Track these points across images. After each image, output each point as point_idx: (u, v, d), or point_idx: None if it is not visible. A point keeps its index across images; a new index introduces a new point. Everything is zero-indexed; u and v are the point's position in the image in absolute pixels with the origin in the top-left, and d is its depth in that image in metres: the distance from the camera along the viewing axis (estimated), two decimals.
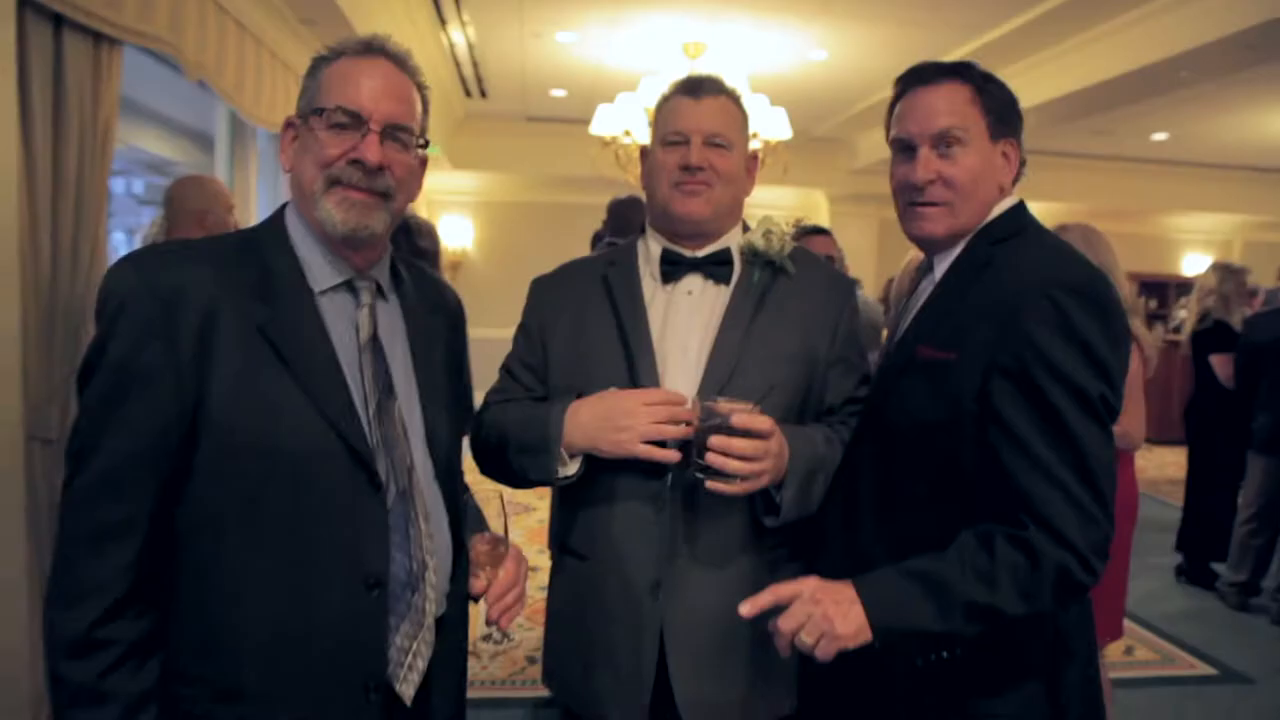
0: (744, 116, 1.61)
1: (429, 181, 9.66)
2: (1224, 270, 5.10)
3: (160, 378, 1.12)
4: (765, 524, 1.50)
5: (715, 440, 1.35)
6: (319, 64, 1.26)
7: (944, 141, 1.38)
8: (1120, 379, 1.26)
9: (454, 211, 10.19)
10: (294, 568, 1.17)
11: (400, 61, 1.28)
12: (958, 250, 1.42)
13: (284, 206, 1.31)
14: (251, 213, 5.02)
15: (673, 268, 1.60)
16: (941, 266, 1.44)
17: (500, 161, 9.43)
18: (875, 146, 8.69)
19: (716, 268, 1.60)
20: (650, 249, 1.64)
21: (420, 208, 9.58)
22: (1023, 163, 1.44)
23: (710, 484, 1.38)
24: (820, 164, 9.33)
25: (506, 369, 1.71)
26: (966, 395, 1.29)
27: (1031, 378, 1.24)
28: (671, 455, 1.45)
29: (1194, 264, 11.42)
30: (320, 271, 1.25)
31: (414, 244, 4.20)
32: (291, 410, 1.16)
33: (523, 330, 1.70)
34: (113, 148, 2.83)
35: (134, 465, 1.12)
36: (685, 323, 1.57)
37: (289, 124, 1.27)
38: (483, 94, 8.12)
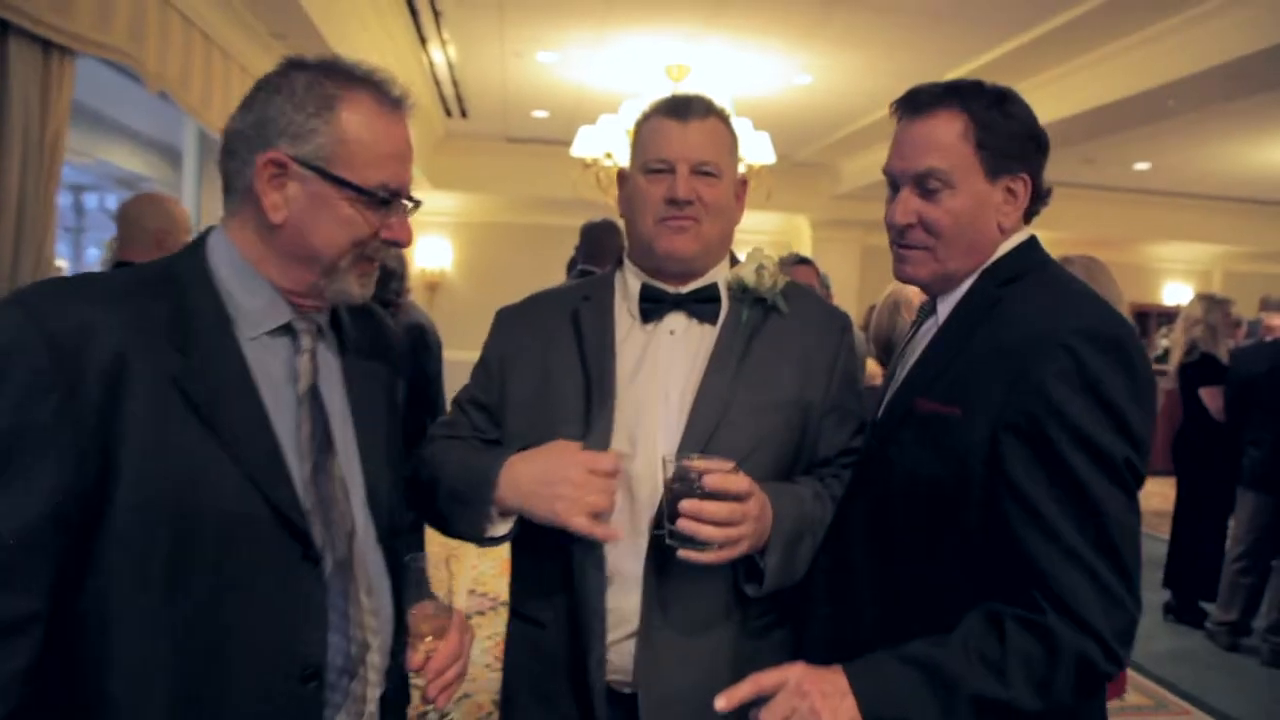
0: (734, 139, 1.48)
1: None
2: (1209, 301, 5.06)
3: (56, 439, 0.94)
4: (747, 593, 1.36)
5: (686, 505, 1.21)
6: (330, 98, 1.06)
7: (926, 183, 1.26)
8: (1147, 438, 1.13)
9: (433, 232, 10.04)
10: (215, 659, 1.02)
11: (410, 112, 1.16)
12: (962, 290, 1.29)
13: (205, 235, 1.15)
14: None
15: (653, 305, 1.46)
16: (945, 308, 1.31)
17: (480, 182, 9.28)
18: (859, 171, 8.66)
19: (702, 305, 1.46)
20: (629, 284, 1.50)
21: None
22: (1045, 194, 1.31)
23: (682, 553, 1.24)
24: (803, 189, 9.27)
25: (458, 403, 1.56)
26: (973, 456, 1.16)
27: (1046, 437, 1.11)
28: (613, 534, 1.31)
29: (1175, 293, 11.44)
30: (255, 314, 1.10)
31: (381, 264, 4.04)
32: (212, 474, 1.01)
33: (482, 365, 1.55)
34: (61, 160, 2.68)
35: (27, 546, 0.93)
36: (666, 366, 1.43)
37: (274, 162, 1.06)
38: (463, 114, 7.99)
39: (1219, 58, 4.51)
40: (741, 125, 5.45)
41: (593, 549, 1.37)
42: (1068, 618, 1.07)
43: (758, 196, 5.11)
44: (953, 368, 1.23)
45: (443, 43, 6.00)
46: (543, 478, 1.30)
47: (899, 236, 1.30)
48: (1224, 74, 4.63)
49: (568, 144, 5.81)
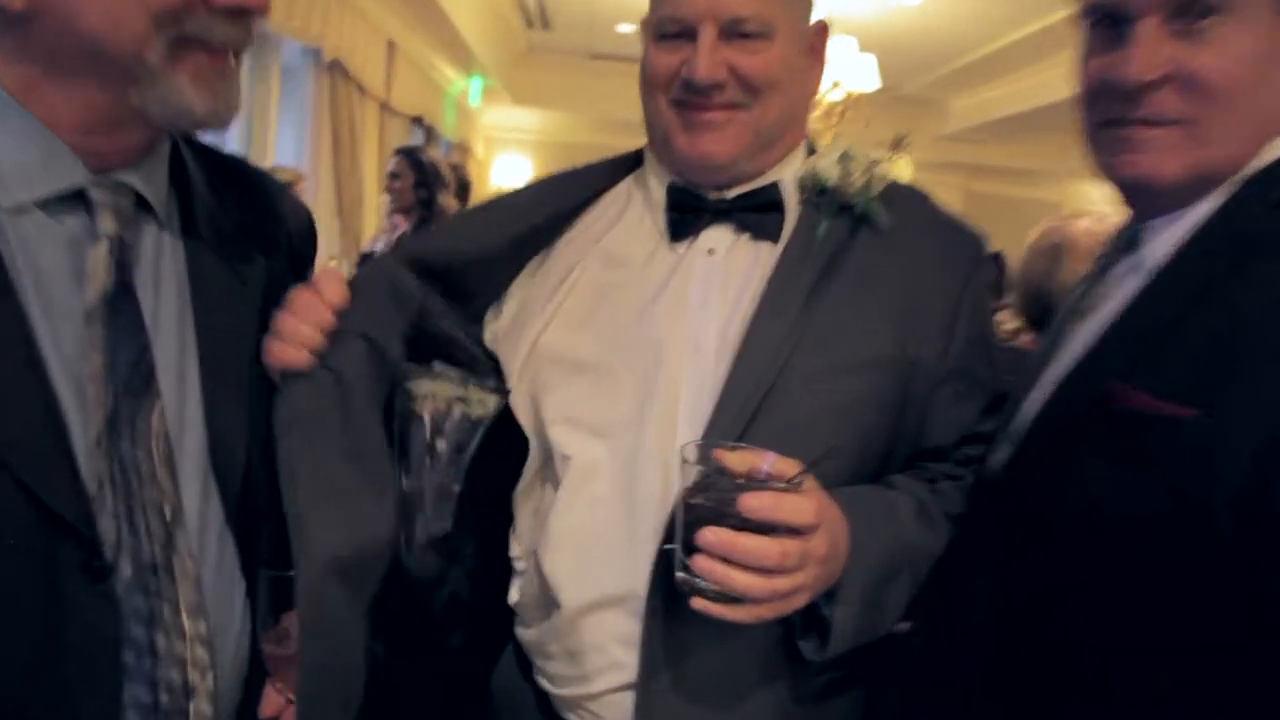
0: None
1: (486, 116, 9.23)
2: None
3: None
4: (804, 653, 0.90)
5: (710, 537, 0.74)
6: None
7: (1184, 6, 0.75)
8: None
9: (512, 150, 9.78)
10: None
11: None
12: (1200, 212, 0.79)
13: None
14: (270, 151, 4.49)
15: (686, 216, 1.00)
16: (1164, 241, 0.81)
17: (562, 99, 8.95)
18: (969, 110, 8.08)
19: (757, 215, 1.00)
20: (650, 186, 1.05)
21: (477, 144, 9.16)
22: None
23: (698, 603, 0.78)
24: (906, 125, 8.47)
25: None
26: (1219, 488, 0.68)
27: None
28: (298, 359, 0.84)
29: None
30: (19, 173, 0.71)
31: (440, 175, 3.76)
32: None
33: None
34: None
35: None
36: (699, 302, 0.97)
37: None
38: (545, 25, 7.55)
39: None
40: (845, 45, 4.93)
41: (572, 551, 0.94)
42: None
43: (856, 126, 4.59)
44: (1187, 341, 0.73)
45: None
46: None
47: (1130, 106, 0.79)
48: None
49: None
